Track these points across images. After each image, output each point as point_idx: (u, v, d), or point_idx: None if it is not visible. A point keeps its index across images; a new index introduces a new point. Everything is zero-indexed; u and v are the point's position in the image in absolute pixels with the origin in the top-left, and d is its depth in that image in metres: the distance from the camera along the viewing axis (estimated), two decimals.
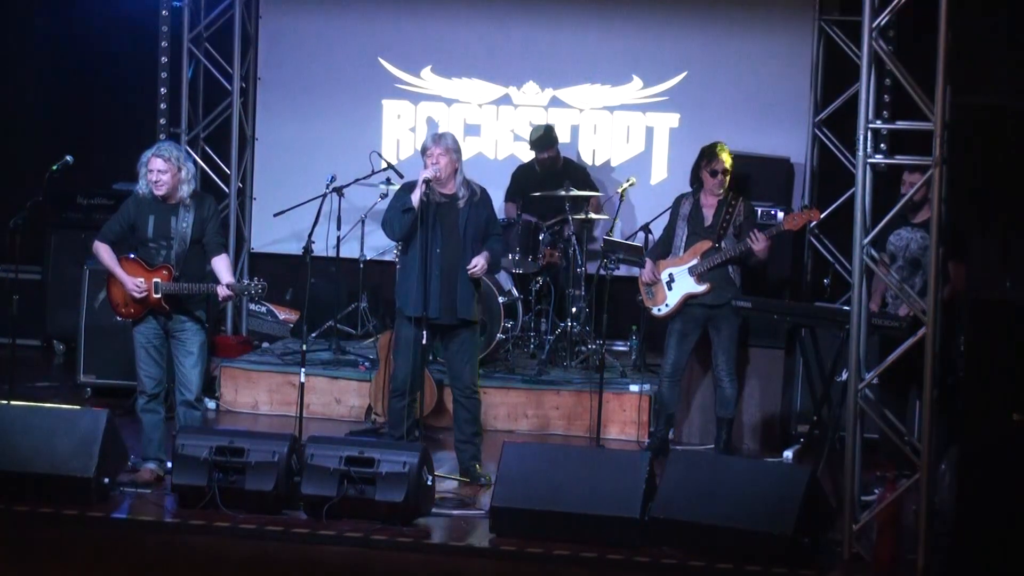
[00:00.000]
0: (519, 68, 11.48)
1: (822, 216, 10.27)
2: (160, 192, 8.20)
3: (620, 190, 10.58)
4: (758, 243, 8.94)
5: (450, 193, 8.48)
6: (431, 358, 9.38)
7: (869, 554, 7.44)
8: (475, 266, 8.42)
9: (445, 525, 7.84)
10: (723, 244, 9.09)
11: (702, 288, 9.11)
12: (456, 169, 8.47)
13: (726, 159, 9.13)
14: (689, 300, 9.15)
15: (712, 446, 9.37)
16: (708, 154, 9.18)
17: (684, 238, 9.22)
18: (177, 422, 8.31)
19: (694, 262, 9.13)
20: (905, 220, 8.43)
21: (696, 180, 9.27)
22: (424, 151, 8.48)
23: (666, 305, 9.23)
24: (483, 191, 8.63)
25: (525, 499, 7.66)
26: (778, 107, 11.08)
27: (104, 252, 8.33)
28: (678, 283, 9.18)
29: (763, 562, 7.29)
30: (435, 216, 8.42)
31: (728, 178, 9.16)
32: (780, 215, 10.00)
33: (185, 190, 8.26)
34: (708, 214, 9.18)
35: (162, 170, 8.19)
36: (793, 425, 9.72)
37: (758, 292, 9.32)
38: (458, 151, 8.49)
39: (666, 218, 9.49)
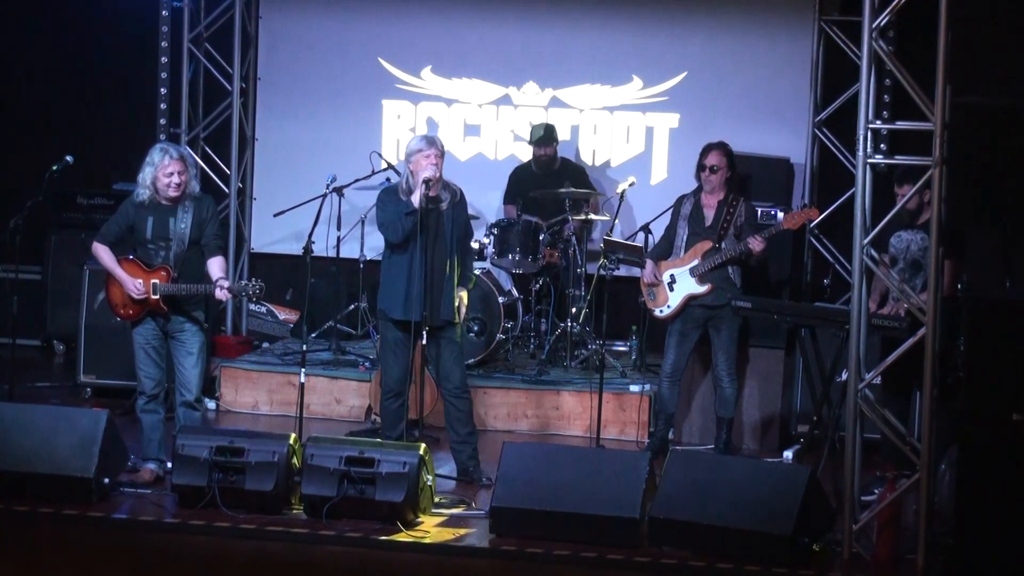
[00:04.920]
0: (519, 68, 11.47)
1: (822, 216, 10.24)
2: (176, 193, 8.21)
3: (620, 190, 10.57)
4: (756, 244, 8.95)
5: (434, 195, 8.46)
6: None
7: (869, 554, 7.44)
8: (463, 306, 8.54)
9: (445, 525, 7.84)
10: (723, 244, 9.09)
11: (703, 289, 9.11)
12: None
13: (714, 156, 9.13)
14: (690, 301, 9.16)
15: (712, 446, 9.37)
16: (701, 151, 9.21)
17: (685, 238, 9.22)
18: (177, 423, 8.31)
19: (695, 263, 9.13)
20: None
21: (697, 179, 9.29)
22: (416, 152, 8.34)
23: (668, 306, 9.23)
24: (461, 192, 8.59)
25: (525, 499, 7.65)
26: (778, 107, 11.07)
27: (103, 253, 8.34)
28: (680, 284, 9.18)
29: (763, 562, 7.30)
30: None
31: (721, 176, 9.16)
32: (780, 215, 10.00)
33: (195, 186, 8.32)
34: (709, 214, 9.18)
35: (180, 171, 8.22)
36: (793, 425, 9.72)
37: (758, 292, 9.32)
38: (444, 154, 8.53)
39: (666, 218, 9.51)
